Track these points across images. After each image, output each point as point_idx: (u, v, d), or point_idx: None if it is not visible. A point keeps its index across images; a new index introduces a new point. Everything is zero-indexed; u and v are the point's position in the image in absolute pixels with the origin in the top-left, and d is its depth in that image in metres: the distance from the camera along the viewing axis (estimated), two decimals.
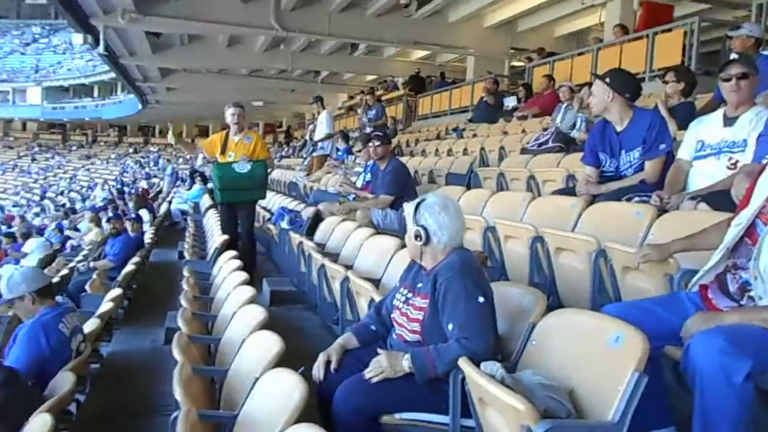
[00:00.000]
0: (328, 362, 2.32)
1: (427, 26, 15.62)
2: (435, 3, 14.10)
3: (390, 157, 5.46)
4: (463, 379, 1.95)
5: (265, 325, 2.62)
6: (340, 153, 9.72)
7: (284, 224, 5.79)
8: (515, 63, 16.35)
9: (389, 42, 16.03)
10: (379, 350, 2.21)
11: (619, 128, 3.53)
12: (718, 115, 3.26)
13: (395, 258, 3.52)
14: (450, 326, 2.09)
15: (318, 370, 2.31)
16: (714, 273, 2.10)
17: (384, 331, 2.42)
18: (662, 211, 2.95)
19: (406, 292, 2.35)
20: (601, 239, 2.70)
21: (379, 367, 2.13)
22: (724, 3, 11.15)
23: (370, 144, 5.47)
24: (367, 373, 2.13)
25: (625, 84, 3.56)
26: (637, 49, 9.08)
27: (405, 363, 2.10)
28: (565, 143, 5.85)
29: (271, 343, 2.35)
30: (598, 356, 1.81)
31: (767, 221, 1.95)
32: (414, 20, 15.32)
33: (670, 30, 8.97)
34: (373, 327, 2.45)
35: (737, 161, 3.04)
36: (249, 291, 3.18)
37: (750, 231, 2.01)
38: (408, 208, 2.35)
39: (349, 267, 3.68)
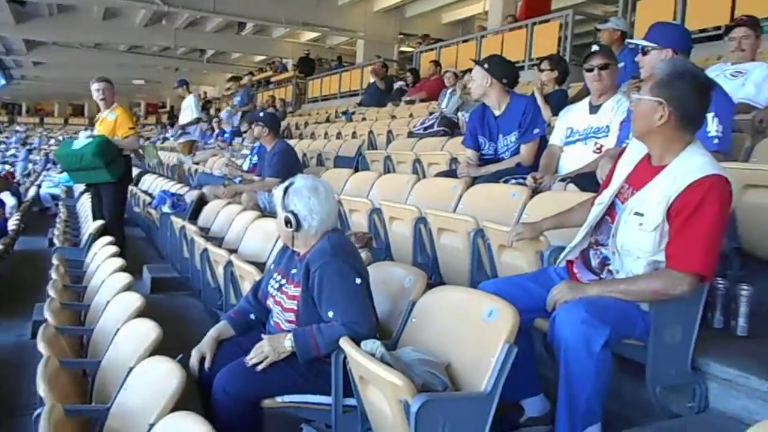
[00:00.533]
0: (203, 358, 2.21)
1: (317, 7, 15.47)
2: None
3: (276, 139, 5.36)
4: (345, 358, 1.97)
5: (143, 313, 2.49)
6: (226, 135, 9.42)
7: (166, 208, 5.53)
8: (404, 48, 16.59)
9: (278, 22, 15.72)
10: (262, 336, 2.17)
11: (497, 113, 3.68)
12: (584, 103, 3.47)
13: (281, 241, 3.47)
14: (331, 313, 2.06)
15: (193, 367, 2.19)
16: (579, 249, 2.24)
17: (263, 316, 2.36)
18: (536, 192, 3.11)
19: (279, 278, 2.30)
20: (479, 219, 2.80)
21: (261, 352, 2.08)
22: None
23: (255, 125, 5.34)
24: (250, 360, 2.07)
25: (504, 71, 3.71)
26: (517, 38, 9.48)
27: (287, 343, 2.06)
28: (450, 127, 6.02)
29: (147, 331, 2.23)
30: (473, 330, 1.88)
31: (624, 200, 2.09)
32: (304, 1, 15.12)
33: (547, 21, 9.44)
34: (251, 314, 2.38)
35: (602, 146, 3.26)
36: (125, 278, 3.02)
37: (610, 210, 2.16)
38: (277, 192, 2.26)
39: (233, 251, 3.58)
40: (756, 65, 3.61)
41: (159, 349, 2.13)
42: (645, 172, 2.06)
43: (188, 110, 9.86)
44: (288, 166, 5.12)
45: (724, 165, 2.53)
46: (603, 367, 1.90)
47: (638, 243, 1.99)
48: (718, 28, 6.21)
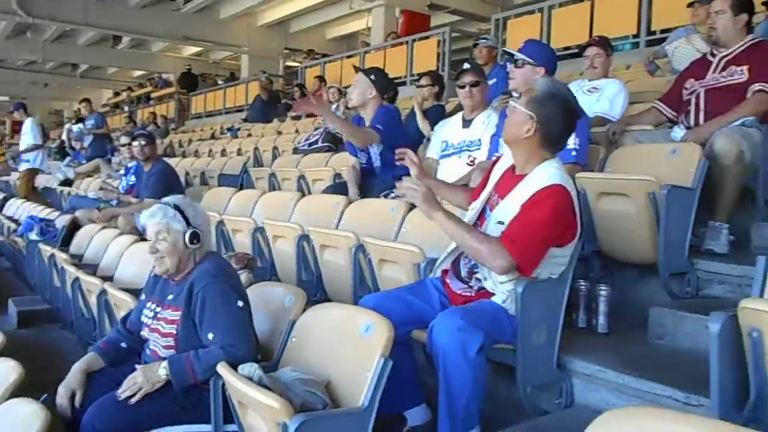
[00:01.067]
0: (73, 395, 2.09)
1: (198, 21, 15.08)
2: None
3: (155, 159, 5.16)
4: (223, 384, 1.93)
5: (3, 351, 2.31)
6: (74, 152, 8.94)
7: (33, 235, 5.15)
8: (289, 63, 16.53)
9: (155, 36, 15.14)
10: (136, 366, 2.07)
11: (367, 124, 3.74)
12: (458, 118, 3.63)
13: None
14: (211, 335, 2.01)
15: (61, 406, 2.07)
16: (451, 258, 2.33)
17: (137, 346, 2.27)
18: (413, 206, 3.20)
19: (153, 306, 2.22)
20: (360, 234, 2.85)
21: (134, 383, 1.98)
22: (470, 16, 12.45)
23: (135, 143, 5.10)
24: (122, 393, 1.97)
25: (387, 87, 3.79)
26: (399, 53, 9.76)
27: (162, 371, 1.99)
28: (334, 143, 6.06)
29: (6, 372, 2.07)
30: (351, 346, 1.91)
31: (493, 208, 2.22)
32: (183, 14, 14.71)
33: (427, 38, 9.79)
34: (122, 343, 2.29)
35: (475, 158, 3.42)
36: None
37: (480, 217, 2.28)
38: (165, 211, 2.15)
39: (108, 278, 3.41)
40: (609, 81, 3.94)
41: (26, 388, 1.99)
42: (509, 180, 2.19)
43: (27, 135, 8.85)
44: (167, 186, 4.93)
45: (581, 175, 2.76)
46: (479, 371, 1.98)
47: None
48: (579, 46, 6.70)
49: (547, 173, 2.08)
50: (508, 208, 2.10)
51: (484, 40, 6.72)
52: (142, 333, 2.22)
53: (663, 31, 6.40)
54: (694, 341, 2.29)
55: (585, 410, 2.18)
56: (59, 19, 13.70)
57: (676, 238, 2.58)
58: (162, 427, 1.98)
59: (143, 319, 2.23)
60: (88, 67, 21.03)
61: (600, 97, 3.85)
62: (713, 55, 3.22)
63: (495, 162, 2.41)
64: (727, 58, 3.12)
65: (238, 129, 10.49)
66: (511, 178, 2.19)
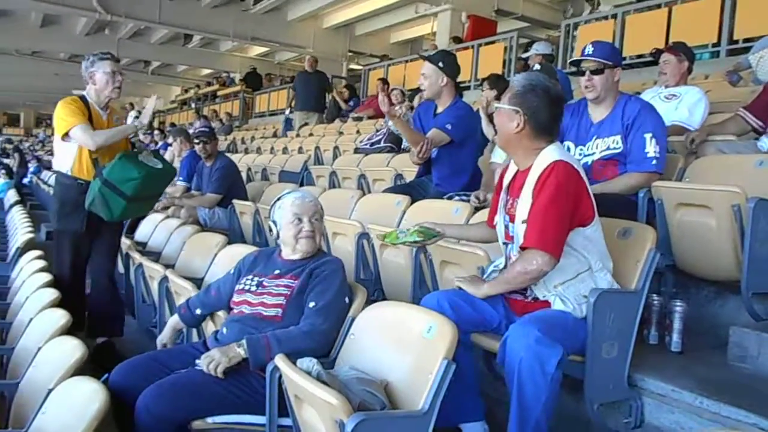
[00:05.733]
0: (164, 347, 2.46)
1: (266, 22, 15.38)
2: None
3: (216, 154, 5.23)
4: (280, 376, 1.90)
5: (69, 331, 2.36)
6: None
7: None
8: (353, 66, 16.66)
9: (225, 35, 15.50)
10: (196, 361, 2.08)
11: (440, 110, 3.65)
12: None
13: (220, 255, 3.37)
14: (312, 304, 2.12)
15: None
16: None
17: (207, 311, 2.49)
18: (479, 209, 3.12)
19: (256, 278, 2.33)
20: None
21: (211, 360, 2.01)
22: (538, 22, 12.23)
23: (197, 141, 5.18)
24: (202, 365, 2.02)
25: (456, 69, 3.67)
26: (464, 58, 9.64)
27: (239, 349, 2.03)
28: (396, 144, 6.03)
29: (71, 349, 2.10)
30: (412, 347, 1.84)
31: (512, 215, 2.18)
32: (252, 15, 15.02)
33: (493, 43, 9.66)
34: (198, 310, 2.49)
35: None
36: (51, 293, 2.85)
37: (506, 234, 2.24)
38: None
39: (170, 266, 3.46)
40: (689, 89, 3.75)
41: (87, 369, 2.03)
42: (519, 180, 2.18)
43: None
44: (230, 182, 5.01)
45: (658, 184, 2.62)
46: (555, 387, 1.89)
47: None
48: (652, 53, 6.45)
49: (546, 157, 2.06)
50: (525, 205, 2.08)
51: (531, 50, 6.60)
52: (235, 299, 2.32)
53: (746, 41, 6.09)
54: None
55: None
56: (135, 17, 14.23)
57: (761, 255, 2.40)
58: (216, 415, 1.96)
59: (242, 287, 2.32)
60: (160, 64, 21.79)
61: (679, 104, 3.67)
62: None
63: (502, 174, 2.36)
64: None
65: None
66: (520, 176, 2.19)
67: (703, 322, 2.62)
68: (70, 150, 3.40)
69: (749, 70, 5.13)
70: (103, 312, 3.60)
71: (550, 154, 2.07)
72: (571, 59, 3.03)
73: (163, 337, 2.55)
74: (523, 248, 2.03)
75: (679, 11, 6.90)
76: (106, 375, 2.12)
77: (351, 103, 10.79)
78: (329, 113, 10.70)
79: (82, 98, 3.43)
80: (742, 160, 2.82)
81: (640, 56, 7.11)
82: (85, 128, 3.30)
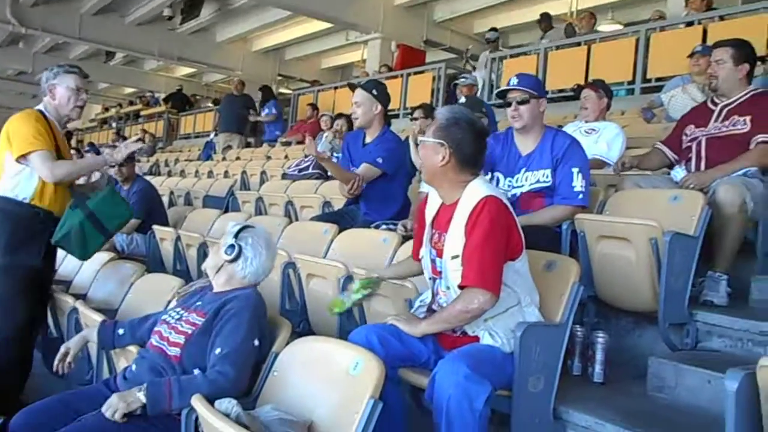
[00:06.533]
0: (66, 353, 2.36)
1: (193, 43, 15.06)
2: (201, 20, 13.65)
3: (133, 178, 5.01)
4: (197, 418, 1.78)
5: None
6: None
7: None
8: (282, 90, 16.55)
9: (150, 54, 15.04)
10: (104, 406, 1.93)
11: (368, 140, 3.63)
12: None
13: (137, 285, 3.20)
14: (218, 350, 1.97)
15: (59, 364, 2.36)
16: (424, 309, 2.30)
17: (129, 340, 2.33)
18: (407, 238, 3.10)
19: (180, 310, 2.21)
20: (350, 265, 2.73)
21: (109, 406, 1.86)
22: (465, 54, 12.55)
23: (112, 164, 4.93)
24: (105, 412, 1.86)
25: (388, 98, 3.68)
26: (393, 86, 9.75)
27: (139, 394, 1.88)
28: (324, 170, 5.96)
29: None
30: (338, 384, 1.78)
31: (439, 249, 2.17)
32: (179, 35, 14.68)
33: (422, 72, 9.84)
34: (120, 330, 2.35)
35: None
36: None
37: (433, 268, 2.23)
38: (232, 223, 2.28)
39: (80, 296, 3.24)
40: (607, 124, 3.91)
41: None
42: (444, 213, 2.18)
43: None
44: (149, 206, 4.80)
45: (581, 216, 2.69)
46: (484, 423, 1.87)
47: None
48: (573, 89, 6.74)
49: (475, 191, 2.07)
50: (454, 240, 2.07)
51: (464, 79, 6.78)
52: (157, 329, 2.20)
53: (658, 80, 6.45)
54: (695, 396, 2.19)
55: None
56: (53, 31, 13.55)
57: (677, 287, 2.49)
58: None
59: (167, 317, 2.22)
60: None
61: (598, 139, 3.82)
62: (714, 104, 3.19)
63: (422, 207, 2.36)
64: (729, 108, 3.09)
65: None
66: (446, 210, 2.18)
67: (623, 353, 2.68)
68: (29, 174, 2.91)
69: (662, 108, 5.43)
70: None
71: (479, 188, 2.08)
72: (498, 89, 3.08)
73: (69, 343, 2.41)
74: (461, 287, 2.01)
75: (598, 50, 7.25)
76: (3, 418, 1.94)
77: (266, 110, 10.66)
78: (247, 132, 10.69)
79: (41, 113, 3.01)
80: (658, 195, 2.93)
81: (561, 90, 7.41)
82: (47, 156, 2.86)
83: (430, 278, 2.25)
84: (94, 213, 2.98)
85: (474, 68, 9.14)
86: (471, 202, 2.04)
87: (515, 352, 1.98)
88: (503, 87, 2.99)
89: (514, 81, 2.90)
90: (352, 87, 3.74)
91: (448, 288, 2.11)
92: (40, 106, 3.06)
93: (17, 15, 12.43)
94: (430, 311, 2.22)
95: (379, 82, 3.78)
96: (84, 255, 3.09)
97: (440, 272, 2.16)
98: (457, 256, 2.04)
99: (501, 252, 2.00)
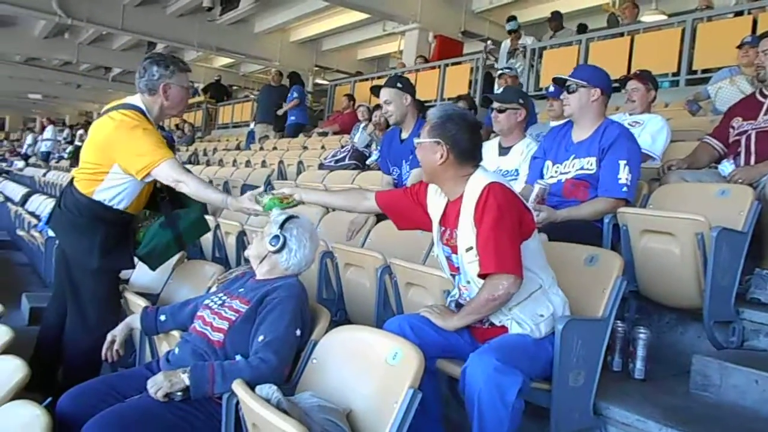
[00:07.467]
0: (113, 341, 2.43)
1: (232, 34, 15.21)
2: (240, 11, 13.78)
3: None
4: (238, 403, 1.81)
5: (11, 349, 2.22)
6: None
7: (52, 231, 5.10)
8: (319, 80, 16.61)
9: (190, 44, 15.23)
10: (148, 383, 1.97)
11: (404, 135, 3.62)
12: (494, 142, 3.52)
13: (178, 271, 3.26)
14: (261, 338, 1.98)
15: (107, 351, 2.42)
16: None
17: (171, 325, 2.36)
18: None
19: (223, 296, 2.24)
20: (387, 255, 2.73)
21: (153, 384, 1.92)
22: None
23: None
24: (150, 392, 1.91)
25: (414, 88, 3.66)
26: (431, 77, 9.71)
27: (184, 376, 1.92)
28: (361, 161, 5.99)
29: (12, 371, 1.97)
30: (377, 373, 1.78)
31: (452, 246, 2.15)
32: (218, 26, 14.85)
33: (459, 63, 9.76)
34: (162, 317, 2.38)
35: None
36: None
37: (450, 265, 2.22)
38: (276, 212, 2.31)
39: (125, 281, 3.32)
40: (651, 117, 3.81)
41: (31, 389, 1.90)
42: (451, 210, 2.16)
43: None
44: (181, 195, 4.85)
45: (624, 210, 2.63)
46: (517, 415, 1.86)
47: None
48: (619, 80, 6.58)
49: (478, 181, 2.07)
50: (466, 233, 2.06)
51: (508, 70, 6.68)
52: (199, 313, 2.22)
53: (704, 71, 6.27)
54: (741, 395, 2.13)
55: None
56: (97, 22, 13.84)
57: (723, 283, 2.43)
58: None
59: (208, 302, 2.24)
60: (121, 71, 21.30)
61: (642, 131, 3.72)
62: (764, 96, 3.09)
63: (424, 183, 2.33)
64: None
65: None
66: (452, 206, 2.17)
67: (664, 349, 2.63)
68: (133, 185, 2.69)
69: (708, 100, 5.27)
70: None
71: (481, 178, 2.08)
72: (554, 76, 3.12)
73: (114, 331, 2.47)
74: (482, 276, 1.99)
75: (641, 40, 7.07)
76: (48, 399, 1.99)
77: (296, 93, 10.44)
78: (277, 124, 10.70)
79: (140, 111, 2.69)
80: (704, 189, 2.86)
81: None
82: (175, 164, 2.59)
83: (450, 275, 2.25)
84: (182, 234, 2.89)
85: (496, 60, 8.96)
86: (475, 192, 2.04)
87: (555, 345, 1.95)
88: (559, 75, 3.05)
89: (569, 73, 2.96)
90: (375, 92, 3.70)
91: (468, 282, 2.10)
92: (137, 103, 2.73)
93: (63, 6, 12.72)
94: (459, 306, 2.21)
95: (400, 76, 3.79)
96: (157, 267, 3.03)
97: (458, 268, 2.15)
98: (471, 248, 2.03)
99: (516, 233, 1.98)
